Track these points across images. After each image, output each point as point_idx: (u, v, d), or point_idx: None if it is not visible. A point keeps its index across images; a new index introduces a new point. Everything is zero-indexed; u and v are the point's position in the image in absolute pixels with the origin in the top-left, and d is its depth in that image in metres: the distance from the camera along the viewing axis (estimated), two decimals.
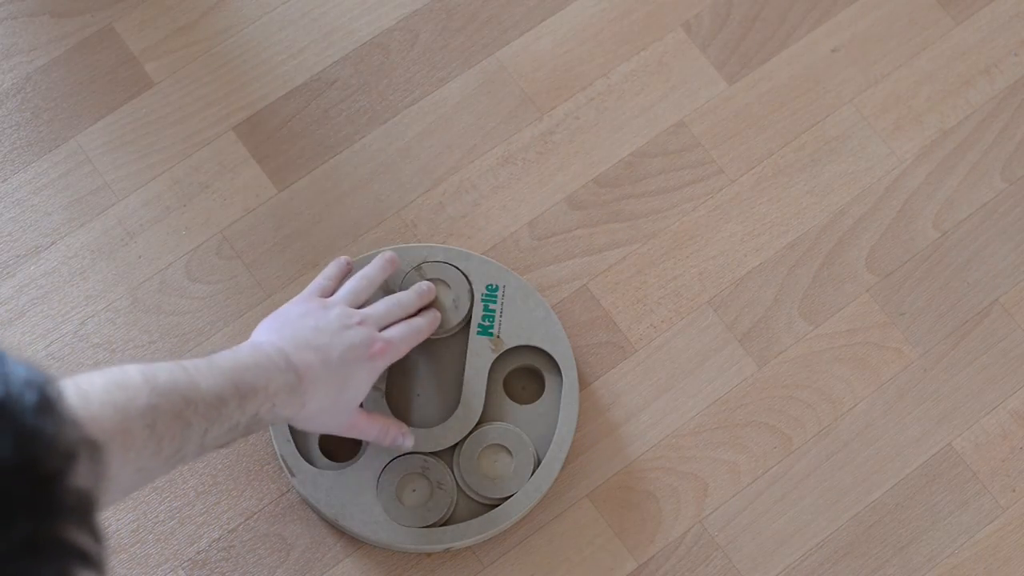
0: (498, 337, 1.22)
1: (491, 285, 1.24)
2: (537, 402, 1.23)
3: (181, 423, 0.95)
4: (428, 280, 1.23)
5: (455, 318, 1.22)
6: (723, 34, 1.34)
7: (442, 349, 1.23)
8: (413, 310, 1.19)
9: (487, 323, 1.23)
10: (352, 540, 1.20)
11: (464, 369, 1.22)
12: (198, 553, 1.19)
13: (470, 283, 1.24)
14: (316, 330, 1.11)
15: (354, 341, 1.12)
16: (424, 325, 1.19)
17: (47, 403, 0.68)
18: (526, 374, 1.24)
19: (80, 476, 0.68)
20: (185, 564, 1.19)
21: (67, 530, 0.67)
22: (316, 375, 1.08)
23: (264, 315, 1.24)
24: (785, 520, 1.21)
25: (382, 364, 1.14)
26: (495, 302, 1.23)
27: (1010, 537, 1.21)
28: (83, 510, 0.68)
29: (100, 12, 1.33)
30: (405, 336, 1.17)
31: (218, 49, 1.33)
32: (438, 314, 1.21)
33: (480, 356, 1.22)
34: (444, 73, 1.33)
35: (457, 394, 1.22)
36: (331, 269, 1.20)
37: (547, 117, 1.32)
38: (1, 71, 1.31)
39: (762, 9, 1.35)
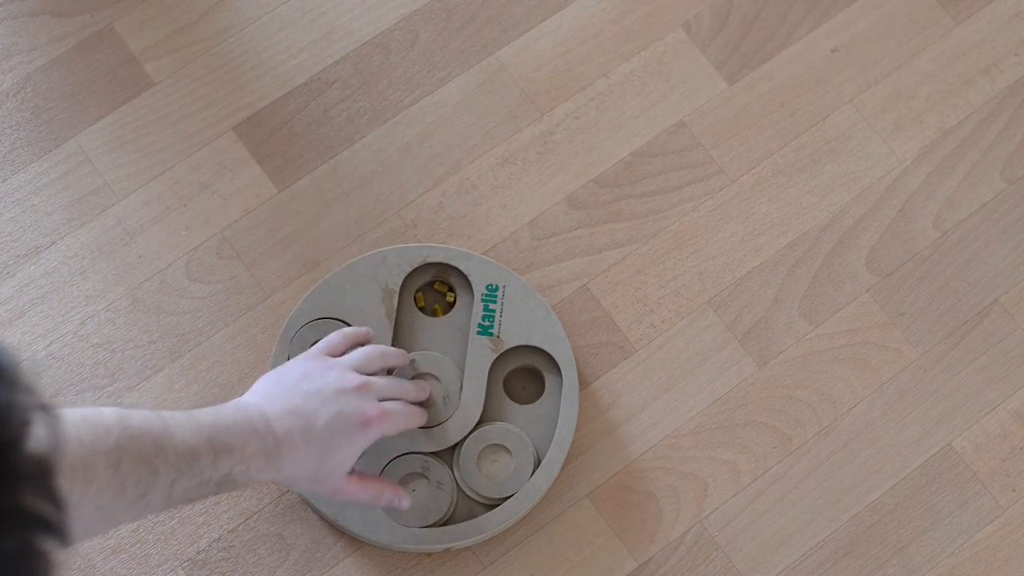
0: (498, 337, 1.22)
1: (491, 285, 1.24)
2: (537, 402, 1.23)
3: (148, 469, 0.95)
4: (421, 372, 1.21)
5: (445, 413, 1.21)
6: (723, 34, 1.34)
7: (442, 349, 1.23)
8: (410, 398, 1.17)
9: (487, 323, 1.23)
10: (352, 540, 1.19)
11: (464, 369, 1.22)
12: (198, 553, 1.19)
13: (469, 281, 1.24)
14: (308, 394, 1.09)
15: (344, 410, 1.09)
16: (418, 415, 1.17)
17: None
18: (526, 374, 1.24)
19: (37, 442, 0.68)
20: (185, 564, 1.19)
21: (27, 498, 0.67)
22: (295, 443, 1.07)
23: (264, 315, 1.24)
24: (785, 520, 1.21)
25: (375, 433, 1.11)
26: (495, 302, 1.23)
27: (1010, 537, 1.21)
28: (42, 477, 0.68)
29: (100, 12, 1.33)
30: (403, 413, 1.14)
31: (218, 49, 1.33)
32: (426, 412, 1.19)
33: (480, 356, 1.22)
34: (444, 73, 1.33)
35: (457, 394, 1.21)
36: (349, 330, 1.18)
37: (547, 117, 1.32)
38: (1, 71, 1.31)
39: (762, 9, 1.35)
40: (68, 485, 0.88)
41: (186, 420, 1.01)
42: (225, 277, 1.26)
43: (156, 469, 0.96)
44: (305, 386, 1.10)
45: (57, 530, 0.68)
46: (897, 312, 1.27)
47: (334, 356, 1.15)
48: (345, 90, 1.32)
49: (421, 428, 1.20)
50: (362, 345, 1.18)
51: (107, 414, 0.94)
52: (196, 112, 1.31)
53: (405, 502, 1.16)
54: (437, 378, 1.21)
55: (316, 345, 1.16)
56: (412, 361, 1.21)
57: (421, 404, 1.19)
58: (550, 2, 1.35)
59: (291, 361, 1.14)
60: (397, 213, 1.28)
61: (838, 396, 1.24)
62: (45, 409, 0.70)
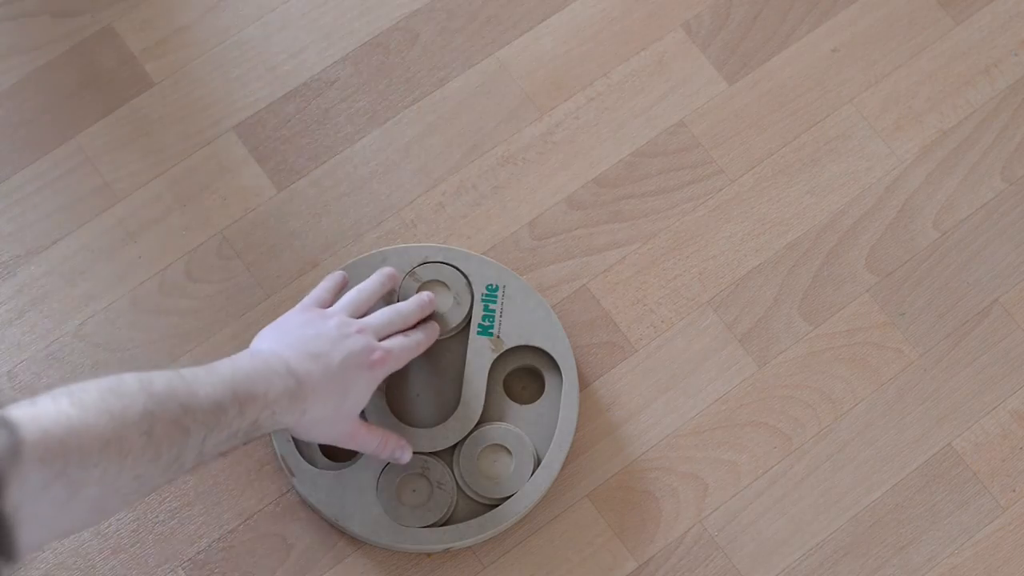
0: (498, 337, 1.22)
1: (491, 285, 1.24)
2: (537, 402, 1.23)
3: (179, 430, 0.96)
4: (425, 281, 1.22)
5: (458, 316, 1.22)
6: (723, 34, 1.34)
7: (442, 349, 1.23)
8: (413, 321, 1.19)
9: (487, 323, 1.23)
10: (352, 540, 1.20)
11: (464, 369, 1.22)
12: (198, 553, 1.19)
13: (468, 279, 1.24)
14: (316, 337, 1.11)
15: (353, 349, 1.12)
16: (423, 338, 1.19)
17: None
18: (526, 374, 1.24)
19: None
20: (185, 564, 1.19)
21: None
22: (317, 382, 1.08)
23: (264, 315, 1.25)
24: (785, 520, 1.21)
25: (381, 373, 1.14)
26: (495, 302, 1.23)
27: (1010, 537, 1.21)
28: None
29: (100, 12, 1.33)
30: (404, 347, 1.17)
31: (218, 49, 1.33)
32: (437, 326, 1.21)
33: (480, 356, 1.22)
34: (444, 73, 1.33)
35: (457, 394, 1.22)
36: (327, 282, 1.20)
37: (547, 117, 1.32)
38: (1, 71, 1.31)
39: (762, 9, 1.35)
40: (104, 461, 0.89)
41: (206, 374, 1.01)
42: (225, 277, 1.26)
43: (187, 429, 0.96)
44: (310, 331, 1.12)
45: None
46: (897, 312, 1.27)
47: (324, 307, 1.17)
48: (345, 90, 1.32)
49: (421, 428, 1.20)
50: (345, 290, 1.20)
51: (129, 381, 0.95)
52: (196, 112, 1.31)
53: (407, 455, 1.17)
54: (444, 284, 1.22)
55: (304, 299, 1.18)
56: (413, 273, 1.23)
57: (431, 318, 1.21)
58: (550, 2, 1.35)
59: (286, 314, 1.16)
60: (397, 213, 1.28)
61: (838, 396, 1.24)
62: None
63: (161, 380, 0.97)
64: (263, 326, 1.23)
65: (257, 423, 1.03)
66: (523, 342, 1.23)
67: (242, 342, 1.24)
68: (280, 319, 1.15)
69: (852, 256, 1.28)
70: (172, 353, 1.24)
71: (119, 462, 0.90)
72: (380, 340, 1.15)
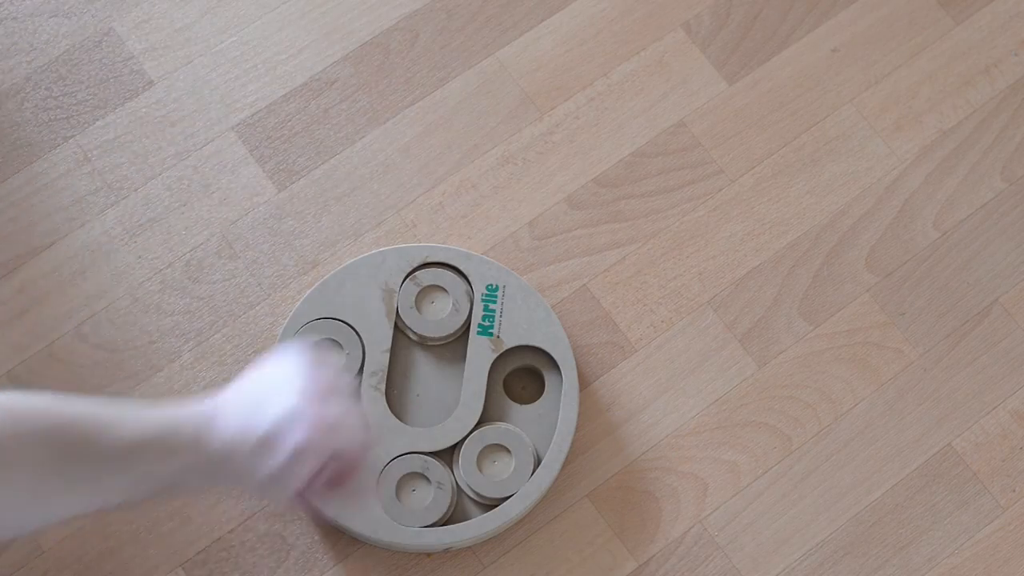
0: (498, 337, 1.22)
1: (491, 285, 1.24)
2: (537, 402, 1.23)
3: (78, 461, 0.95)
4: (425, 287, 1.22)
5: (456, 322, 1.22)
6: (723, 34, 1.34)
7: (442, 349, 1.23)
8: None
9: (487, 323, 1.23)
10: (352, 540, 1.20)
11: (464, 369, 1.22)
12: (197, 553, 1.19)
13: (468, 282, 1.24)
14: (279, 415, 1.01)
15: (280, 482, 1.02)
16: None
17: None
18: (526, 374, 1.24)
19: None
20: (185, 564, 1.19)
21: None
22: (227, 410, 1.01)
23: (264, 315, 1.24)
24: (785, 520, 1.21)
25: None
26: (495, 302, 1.23)
27: (1010, 537, 1.21)
28: None
29: (100, 12, 1.33)
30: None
31: (218, 49, 1.33)
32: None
33: (480, 356, 1.22)
34: (444, 73, 1.33)
35: (457, 394, 1.22)
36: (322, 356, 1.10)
37: (547, 117, 1.32)
38: (1, 71, 1.31)
39: (762, 9, 1.35)
40: None
41: (130, 411, 0.98)
42: (225, 277, 1.26)
43: (89, 462, 0.95)
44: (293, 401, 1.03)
45: None
46: (897, 312, 1.27)
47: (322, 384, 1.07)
48: (345, 90, 1.32)
49: (421, 428, 1.20)
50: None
51: (42, 399, 0.95)
52: (196, 112, 1.31)
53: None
54: (444, 289, 1.22)
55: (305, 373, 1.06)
56: (414, 277, 1.22)
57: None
58: (550, 2, 1.35)
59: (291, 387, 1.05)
60: (397, 213, 1.29)
61: (838, 396, 1.24)
62: None
63: (79, 405, 0.96)
64: (263, 326, 1.23)
65: (165, 471, 0.98)
66: (523, 342, 1.23)
67: (242, 342, 1.24)
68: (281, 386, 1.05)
69: (852, 256, 1.28)
70: (172, 353, 1.24)
71: (5, 475, 0.90)
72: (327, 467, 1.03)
